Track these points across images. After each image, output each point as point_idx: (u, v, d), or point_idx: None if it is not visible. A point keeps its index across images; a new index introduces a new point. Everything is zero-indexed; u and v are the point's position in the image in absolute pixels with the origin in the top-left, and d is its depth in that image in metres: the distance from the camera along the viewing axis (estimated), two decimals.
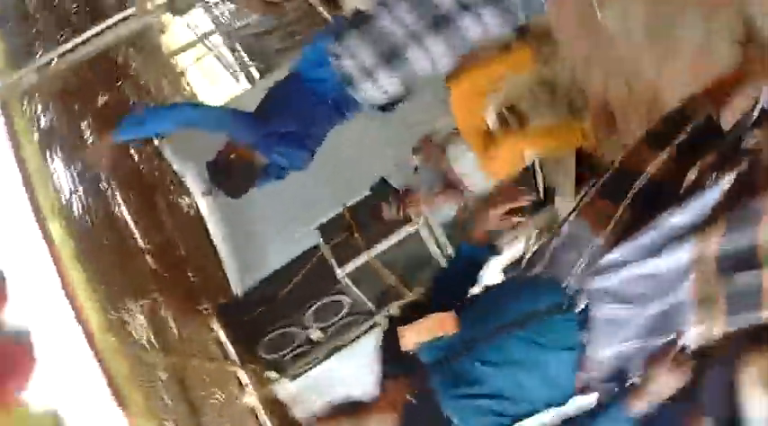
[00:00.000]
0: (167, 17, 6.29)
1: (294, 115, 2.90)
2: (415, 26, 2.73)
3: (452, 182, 3.90)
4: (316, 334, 5.25)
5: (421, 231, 4.72)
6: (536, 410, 1.77)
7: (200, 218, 6.05)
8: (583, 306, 1.75)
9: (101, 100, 5.93)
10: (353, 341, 5.58)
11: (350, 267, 4.77)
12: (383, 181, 4.11)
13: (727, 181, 1.59)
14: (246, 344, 5.23)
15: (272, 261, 5.40)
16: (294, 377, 5.51)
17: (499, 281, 2.13)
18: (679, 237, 1.62)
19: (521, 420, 1.76)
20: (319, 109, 2.94)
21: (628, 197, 1.75)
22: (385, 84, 2.88)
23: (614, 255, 1.69)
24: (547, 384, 1.75)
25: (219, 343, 5.63)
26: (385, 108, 4.02)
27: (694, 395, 3.05)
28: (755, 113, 1.66)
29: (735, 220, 1.57)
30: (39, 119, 5.04)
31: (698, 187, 1.66)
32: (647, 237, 1.65)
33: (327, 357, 5.57)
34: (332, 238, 4.90)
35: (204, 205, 5.97)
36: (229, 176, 2.93)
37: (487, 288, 1.98)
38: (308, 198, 5.23)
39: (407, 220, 4.53)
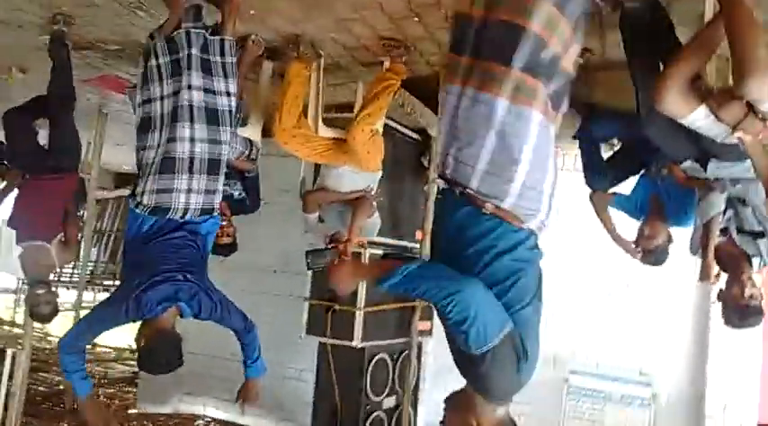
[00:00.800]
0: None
1: (138, 266, 2.88)
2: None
3: (355, 199, 3.93)
4: (390, 402, 5.19)
5: (373, 253, 4.72)
6: None
7: None
8: None
9: None
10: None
11: (359, 333, 4.73)
12: (309, 252, 4.09)
13: None
14: None
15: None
16: None
17: None
18: None
19: None
20: (156, 248, 2.89)
21: None
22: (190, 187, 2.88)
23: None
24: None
25: None
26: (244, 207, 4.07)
27: (651, 152, 3.16)
28: None
29: None
30: None
31: None
32: None
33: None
34: (324, 328, 4.85)
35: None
36: (160, 357, 2.85)
37: None
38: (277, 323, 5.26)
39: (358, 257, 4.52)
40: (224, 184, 3.91)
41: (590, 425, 5.37)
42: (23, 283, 9.96)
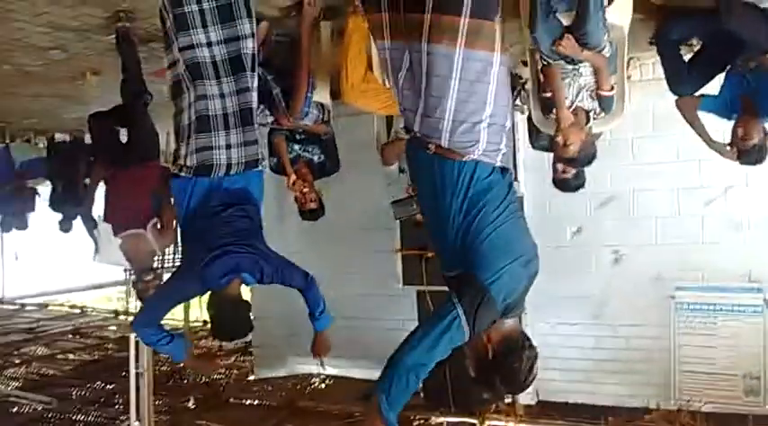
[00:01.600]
0: None
1: (197, 242, 2.92)
2: None
3: None
4: None
5: None
6: None
7: None
8: None
9: None
10: None
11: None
12: (393, 203, 4.14)
13: None
14: None
15: None
16: None
17: None
18: None
19: None
20: (210, 222, 2.89)
21: None
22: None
23: None
24: None
25: None
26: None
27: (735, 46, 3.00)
28: None
29: None
30: None
31: None
32: None
33: None
34: (420, 276, 4.95)
35: None
36: (232, 325, 2.96)
37: None
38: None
39: None
40: (303, 150, 4.04)
41: (704, 339, 5.25)
42: (131, 274, 10.56)
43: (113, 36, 3.99)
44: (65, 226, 7.24)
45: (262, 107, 3.49)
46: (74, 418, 5.73)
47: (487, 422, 5.16)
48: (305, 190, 4.00)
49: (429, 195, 2.07)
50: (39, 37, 4.17)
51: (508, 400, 5.33)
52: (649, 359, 5.35)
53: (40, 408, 5.83)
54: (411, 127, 2.08)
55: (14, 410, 5.94)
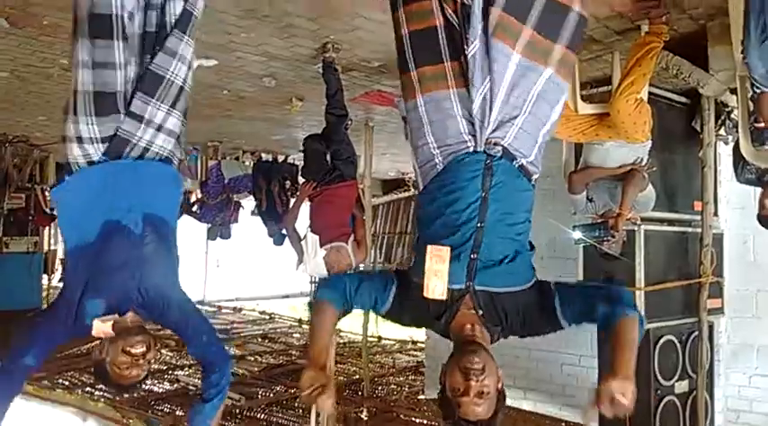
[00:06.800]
0: None
1: None
2: None
3: (625, 173, 3.80)
4: (682, 386, 4.90)
5: (649, 229, 4.50)
6: None
7: None
8: None
9: None
10: None
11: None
12: (577, 226, 4.06)
13: None
14: None
15: None
16: None
17: None
18: None
19: None
20: None
21: None
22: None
23: None
24: None
25: None
26: None
27: None
28: None
29: None
30: None
31: None
32: None
33: None
34: None
35: None
36: None
37: None
38: None
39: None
40: None
41: None
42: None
43: (319, 65, 4.34)
44: (277, 240, 7.69)
45: None
46: (258, 417, 6.18)
47: None
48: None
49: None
50: (255, 65, 4.65)
51: None
52: None
53: (229, 404, 6.32)
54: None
55: None
